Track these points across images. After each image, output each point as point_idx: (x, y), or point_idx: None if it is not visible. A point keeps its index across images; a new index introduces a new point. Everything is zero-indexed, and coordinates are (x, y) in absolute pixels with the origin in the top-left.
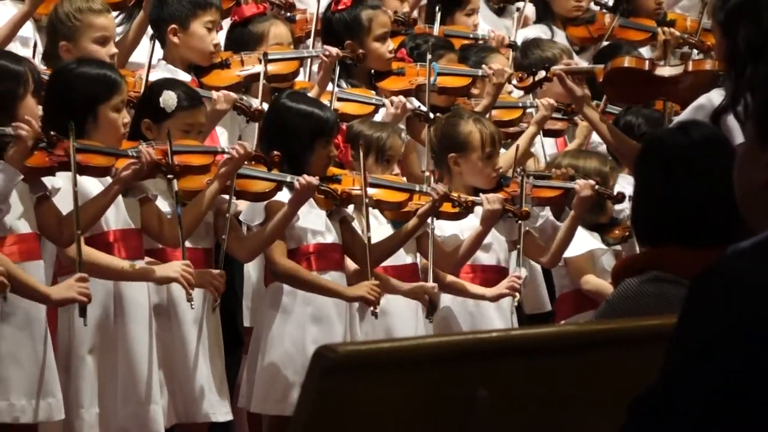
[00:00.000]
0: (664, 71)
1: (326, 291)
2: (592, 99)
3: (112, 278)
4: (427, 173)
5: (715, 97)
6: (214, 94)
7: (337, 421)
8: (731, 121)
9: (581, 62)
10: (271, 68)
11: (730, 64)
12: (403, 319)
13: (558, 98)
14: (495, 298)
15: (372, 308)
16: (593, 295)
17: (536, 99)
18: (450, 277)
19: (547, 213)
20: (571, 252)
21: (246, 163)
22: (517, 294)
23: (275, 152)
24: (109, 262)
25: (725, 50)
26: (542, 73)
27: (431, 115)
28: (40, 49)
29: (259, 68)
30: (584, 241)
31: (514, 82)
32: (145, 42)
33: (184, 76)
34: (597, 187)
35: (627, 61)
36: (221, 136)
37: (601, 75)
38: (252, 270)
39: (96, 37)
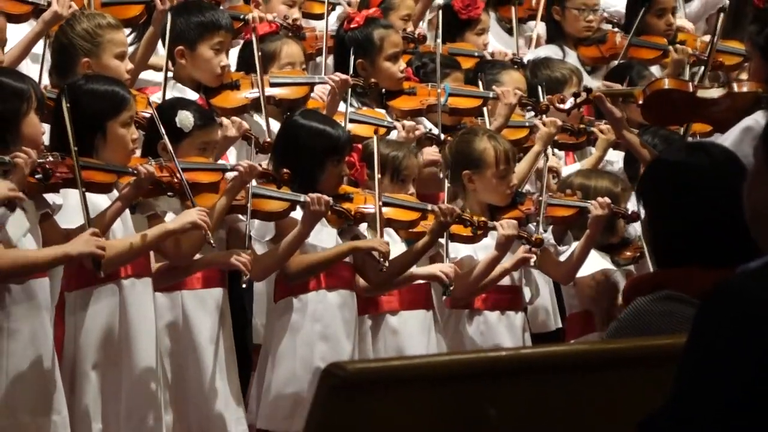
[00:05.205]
0: (706, 93)
1: (339, 255)
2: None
3: (136, 255)
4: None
5: (762, 118)
6: (224, 120)
7: None
8: None
9: (593, 82)
10: (280, 93)
11: None
12: (413, 337)
13: (565, 119)
14: (515, 267)
15: (382, 260)
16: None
17: (535, 119)
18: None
19: (549, 236)
20: (580, 272)
21: (258, 181)
22: (534, 257)
23: (285, 170)
24: (126, 242)
25: (766, 72)
26: (583, 95)
27: (442, 137)
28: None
29: (265, 93)
30: (593, 262)
31: (557, 104)
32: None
33: (192, 96)
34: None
35: (668, 83)
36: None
37: (641, 97)
38: (262, 287)
39: (117, 53)
